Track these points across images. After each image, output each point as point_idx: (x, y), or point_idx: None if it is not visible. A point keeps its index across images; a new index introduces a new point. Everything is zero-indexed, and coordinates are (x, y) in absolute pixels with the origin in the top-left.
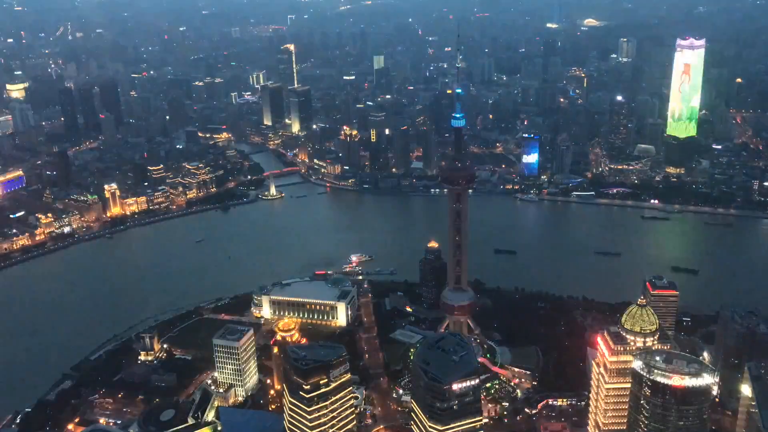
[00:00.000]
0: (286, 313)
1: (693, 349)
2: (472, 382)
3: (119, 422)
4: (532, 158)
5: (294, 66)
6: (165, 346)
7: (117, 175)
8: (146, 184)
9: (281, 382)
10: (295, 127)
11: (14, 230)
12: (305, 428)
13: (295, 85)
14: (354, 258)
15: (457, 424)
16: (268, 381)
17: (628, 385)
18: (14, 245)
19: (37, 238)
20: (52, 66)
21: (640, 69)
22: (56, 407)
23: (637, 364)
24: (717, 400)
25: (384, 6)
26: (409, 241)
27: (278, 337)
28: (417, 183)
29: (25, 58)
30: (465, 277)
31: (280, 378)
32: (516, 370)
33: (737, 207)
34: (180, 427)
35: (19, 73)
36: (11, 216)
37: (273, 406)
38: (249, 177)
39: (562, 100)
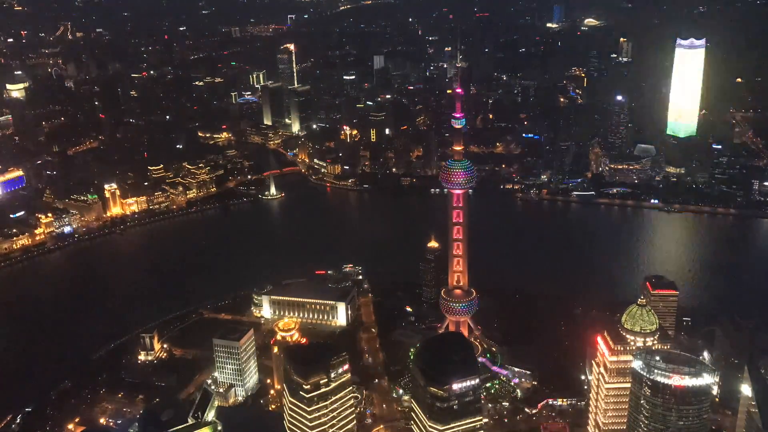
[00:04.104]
0: (286, 313)
1: (693, 349)
2: (472, 382)
3: (119, 422)
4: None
5: (294, 66)
6: (165, 346)
7: (117, 175)
8: (146, 184)
9: (281, 382)
10: (295, 127)
11: (14, 230)
12: (305, 428)
13: (295, 85)
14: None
15: (457, 424)
16: (268, 381)
17: (628, 385)
18: (14, 245)
19: (37, 238)
20: (52, 66)
21: (640, 69)
22: (56, 407)
23: (637, 364)
24: (717, 400)
25: (384, 6)
26: (409, 241)
27: (278, 337)
28: (417, 183)
29: (25, 58)
30: (465, 278)
31: (280, 378)
32: (516, 370)
33: (737, 207)
34: (180, 427)
35: (19, 73)
36: (11, 216)
37: (273, 406)
38: (249, 177)
39: (562, 100)
